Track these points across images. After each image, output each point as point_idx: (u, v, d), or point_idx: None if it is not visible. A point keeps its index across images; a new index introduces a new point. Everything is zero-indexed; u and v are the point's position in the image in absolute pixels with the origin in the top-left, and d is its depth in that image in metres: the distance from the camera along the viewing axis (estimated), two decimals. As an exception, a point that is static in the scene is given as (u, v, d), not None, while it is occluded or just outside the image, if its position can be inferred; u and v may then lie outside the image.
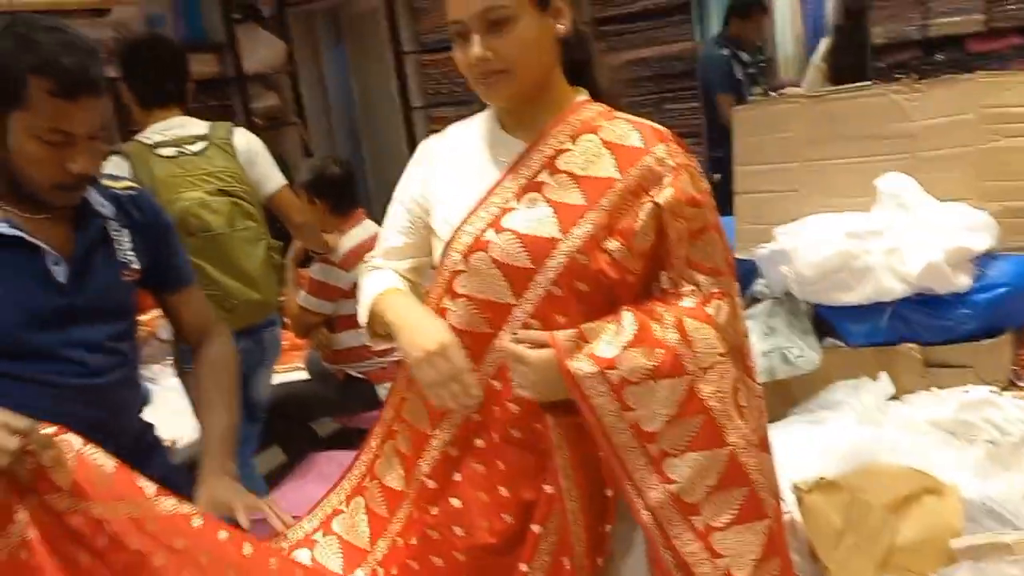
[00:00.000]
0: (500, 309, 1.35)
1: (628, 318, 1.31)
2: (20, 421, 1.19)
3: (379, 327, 1.49)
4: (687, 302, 1.35)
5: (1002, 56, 3.82)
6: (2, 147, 1.39)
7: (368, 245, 3.10)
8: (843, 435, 2.29)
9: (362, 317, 1.54)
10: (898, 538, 2.01)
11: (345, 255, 3.07)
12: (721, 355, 1.33)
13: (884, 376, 2.42)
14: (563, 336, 1.29)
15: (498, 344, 1.35)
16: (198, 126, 2.60)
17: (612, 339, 1.29)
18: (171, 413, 2.77)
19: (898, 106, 2.57)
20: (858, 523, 2.03)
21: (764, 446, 1.39)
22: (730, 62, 4.60)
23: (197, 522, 1.32)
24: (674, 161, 1.37)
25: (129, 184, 1.65)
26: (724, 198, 2.51)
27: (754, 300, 2.79)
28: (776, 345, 2.55)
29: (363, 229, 3.13)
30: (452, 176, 1.47)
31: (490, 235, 1.36)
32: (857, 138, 2.63)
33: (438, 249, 1.45)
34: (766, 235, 2.68)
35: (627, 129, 1.40)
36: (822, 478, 2.11)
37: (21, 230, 1.44)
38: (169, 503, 1.30)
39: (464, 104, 4.85)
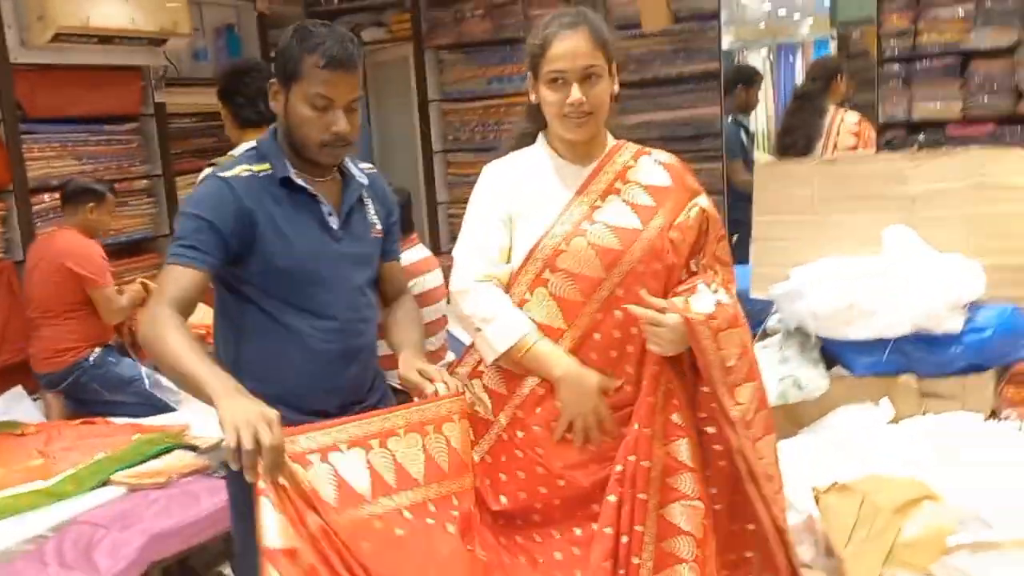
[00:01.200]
0: (591, 282, 1.75)
1: (700, 286, 1.75)
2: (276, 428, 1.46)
3: (527, 363, 1.77)
4: (717, 279, 1.80)
5: (978, 141, 4.25)
6: (286, 116, 1.80)
7: (420, 266, 3.39)
8: (851, 451, 2.62)
9: (501, 345, 1.75)
10: (902, 536, 2.32)
11: (406, 267, 3.34)
12: (744, 316, 1.80)
13: (885, 402, 2.76)
14: (672, 301, 1.72)
15: (640, 310, 1.71)
16: None
17: (701, 301, 1.72)
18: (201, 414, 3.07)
19: (901, 172, 2.96)
20: (868, 522, 2.33)
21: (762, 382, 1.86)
22: (738, 130, 5.08)
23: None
24: (699, 186, 1.87)
25: (370, 166, 2.03)
26: (742, 252, 2.87)
27: (764, 334, 3.13)
28: (788, 373, 2.88)
29: (417, 251, 3.39)
30: (532, 193, 1.85)
31: (585, 225, 1.78)
32: (863, 198, 3.01)
33: (527, 240, 1.81)
34: (778, 278, 3.03)
35: (663, 155, 1.89)
36: (836, 482, 2.43)
37: (308, 183, 1.82)
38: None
39: (477, 151, 5.25)
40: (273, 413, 1.47)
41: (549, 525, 1.79)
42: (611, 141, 1.89)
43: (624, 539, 1.69)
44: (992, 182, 2.81)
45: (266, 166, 1.82)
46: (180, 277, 1.70)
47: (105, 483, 2.91)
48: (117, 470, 2.95)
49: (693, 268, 1.82)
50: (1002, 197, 2.79)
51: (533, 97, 1.84)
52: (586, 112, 1.75)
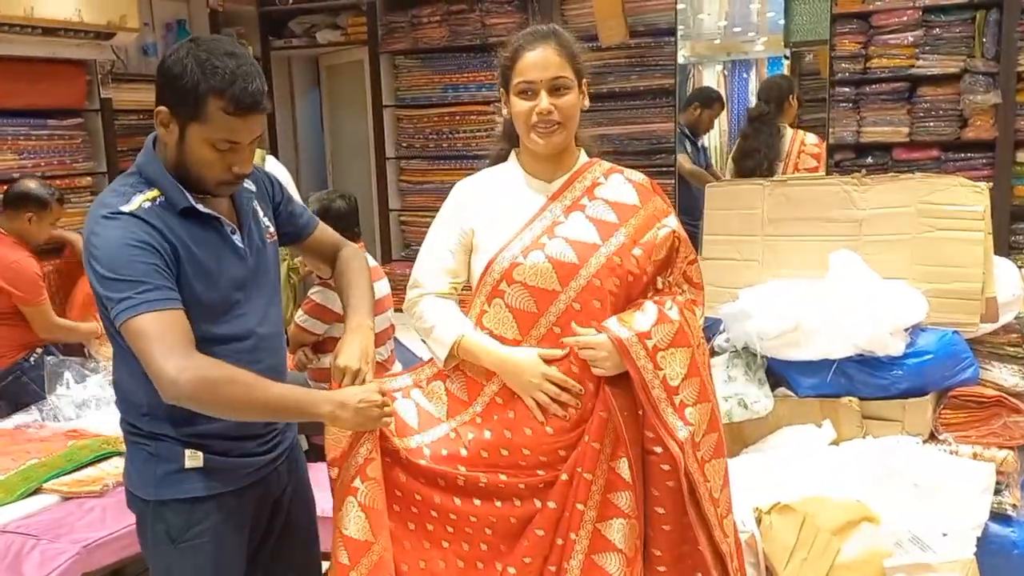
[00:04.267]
0: (547, 295, 1.79)
1: (648, 305, 1.79)
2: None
3: (467, 359, 1.86)
4: (680, 298, 1.85)
5: (922, 165, 4.35)
6: (180, 150, 1.65)
7: (367, 275, 3.37)
8: (793, 471, 2.64)
9: (441, 352, 1.87)
10: (840, 557, 2.35)
11: (343, 282, 3.31)
12: (702, 337, 1.84)
13: (827, 424, 2.79)
14: (607, 321, 1.75)
15: (572, 339, 1.76)
16: None
17: (642, 318, 1.75)
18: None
19: (848, 196, 3.00)
20: (808, 542, 2.36)
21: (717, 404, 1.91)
22: (685, 140, 5.14)
23: None
24: (669, 207, 1.94)
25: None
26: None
27: (712, 353, 3.15)
28: (734, 392, 2.90)
29: (363, 260, 3.37)
30: (497, 207, 1.89)
31: (545, 240, 1.81)
32: (811, 220, 3.04)
33: (485, 253, 1.85)
34: (726, 297, 3.05)
35: (636, 175, 1.95)
36: (779, 502, 2.45)
37: (210, 209, 1.71)
38: None
39: (430, 158, 5.25)
40: (364, 390, 1.69)
41: (489, 504, 1.82)
42: (583, 158, 1.92)
43: (559, 541, 1.74)
44: (935, 209, 2.86)
45: (155, 192, 1.67)
46: (172, 322, 1.58)
47: (37, 491, 2.82)
48: (50, 477, 2.85)
49: (660, 286, 1.86)
50: (944, 224, 2.84)
51: (505, 111, 1.88)
52: (555, 121, 1.79)
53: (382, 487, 1.76)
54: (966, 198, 2.84)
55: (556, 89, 1.79)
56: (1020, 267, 3.53)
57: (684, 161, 5.06)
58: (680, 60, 7.15)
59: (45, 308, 3.66)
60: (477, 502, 1.80)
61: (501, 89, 1.88)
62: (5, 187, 3.95)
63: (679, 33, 6.83)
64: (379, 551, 1.75)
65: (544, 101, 1.78)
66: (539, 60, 1.79)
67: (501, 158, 1.98)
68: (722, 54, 7.42)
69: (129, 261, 1.58)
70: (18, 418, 3.39)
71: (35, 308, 3.60)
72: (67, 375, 3.54)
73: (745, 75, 7.24)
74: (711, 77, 7.35)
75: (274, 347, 1.85)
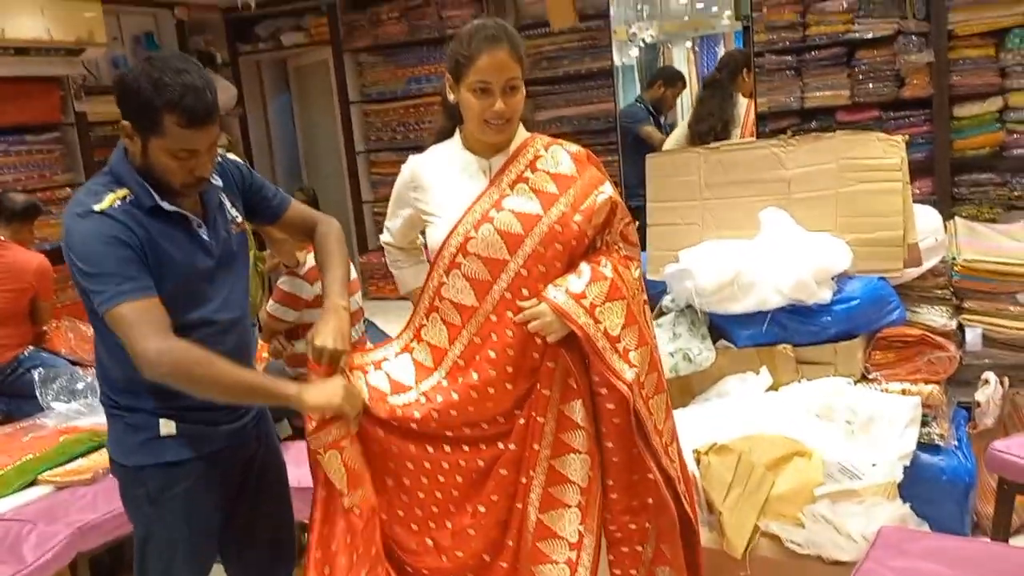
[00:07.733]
0: (498, 263, 1.96)
1: (583, 266, 1.97)
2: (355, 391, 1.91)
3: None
4: (615, 256, 2.03)
5: (864, 126, 4.50)
6: (144, 159, 1.81)
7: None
8: (735, 416, 2.83)
9: (405, 288, 2.33)
10: (775, 489, 2.54)
11: (309, 270, 3.48)
12: (638, 289, 2.02)
13: (764, 371, 2.98)
14: (545, 291, 1.93)
15: (519, 316, 1.94)
16: None
17: (576, 281, 1.93)
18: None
19: (776, 157, 3.19)
20: (744, 478, 2.54)
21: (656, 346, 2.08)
22: (647, 114, 5.31)
23: None
24: (604, 175, 2.08)
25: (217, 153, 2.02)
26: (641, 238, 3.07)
27: (660, 313, 3.33)
28: (680, 347, 3.08)
29: (327, 248, 3.54)
30: (446, 182, 2.07)
31: (493, 213, 1.97)
32: (744, 182, 3.22)
33: (441, 230, 2.02)
34: (670, 260, 3.23)
35: (573, 147, 2.09)
36: (716, 443, 2.64)
37: (176, 206, 1.86)
38: None
39: (398, 150, 5.44)
40: (336, 384, 1.87)
41: (458, 450, 2.01)
42: (523, 134, 2.07)
43: (523, 480, 1.95)
44: (856, 164, 3.03)
45: (125, 191, 1.82)
46: (148, 309, 1.74)
47: (32, 483, 3.01)
48: (43, 469, 3.04)
49: (599, 245, 2.04)
50: (865, 178, 3.01)
51: (452, 97, 2.02)
52: (507, 119, 1.96)
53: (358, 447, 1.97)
54: (884, 152, 3.02)
55: (509, 89, 1.95)
56: (964, 216, 3.74)
57: (654, 132, 5.22)
58: (648, 40, 7.33)
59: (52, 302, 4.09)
60: (447, 448, 1.99)
61: (449, 76, 2.01)
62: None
63: (645, 12, 7.03)
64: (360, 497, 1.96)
65: (499, 103, 1.93)
66: (496, 63, 1.92)
67: (446, 133, 2.13)
68: (691, 31, 7.57)
69: (103, 256, 1.74)
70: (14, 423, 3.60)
71: (48, 302, 3.99)
72: (57, 384, 3.73)
73: (716, 49, 7.37)
74: (680, 55, 7.51)
75: (238, 330, 2.01)
